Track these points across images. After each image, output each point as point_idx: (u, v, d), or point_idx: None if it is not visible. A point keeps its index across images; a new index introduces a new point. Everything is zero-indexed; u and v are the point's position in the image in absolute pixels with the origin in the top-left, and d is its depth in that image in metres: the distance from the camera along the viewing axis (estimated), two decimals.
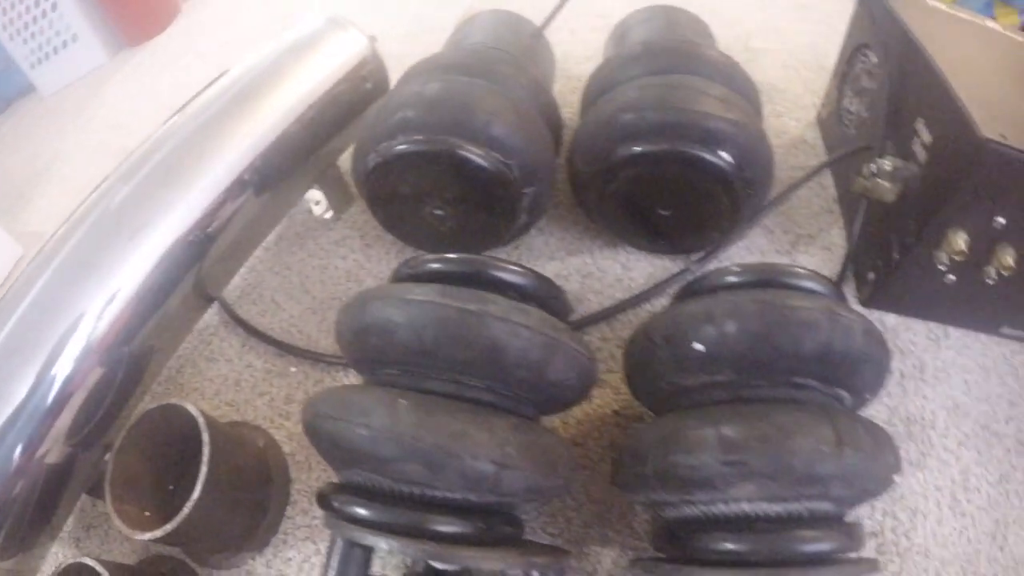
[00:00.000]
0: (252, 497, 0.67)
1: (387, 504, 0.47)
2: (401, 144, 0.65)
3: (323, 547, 0.66)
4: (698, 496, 0.45)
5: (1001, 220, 0.58)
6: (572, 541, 0.63)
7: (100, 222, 0.63)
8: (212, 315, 0.84)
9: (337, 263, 0.86)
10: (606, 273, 0.79)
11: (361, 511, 0.47)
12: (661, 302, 0.75)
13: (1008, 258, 0.60)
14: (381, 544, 0.44)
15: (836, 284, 0.53)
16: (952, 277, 0.65)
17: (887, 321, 0.71)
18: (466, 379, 0.48)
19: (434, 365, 0.49)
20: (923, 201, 0.61)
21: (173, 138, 0.68)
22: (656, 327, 0.51)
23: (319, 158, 0.80)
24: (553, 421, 0.67)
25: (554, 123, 0.78)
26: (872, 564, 0.46)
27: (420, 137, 0.64)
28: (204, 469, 0.57)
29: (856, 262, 0.73)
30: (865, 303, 0.71)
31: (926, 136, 0.61)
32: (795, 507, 0.43)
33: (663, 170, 0.64)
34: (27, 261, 0.63)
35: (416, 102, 0.66)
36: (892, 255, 0.65)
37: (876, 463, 0.43)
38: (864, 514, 0.60)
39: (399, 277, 0.56)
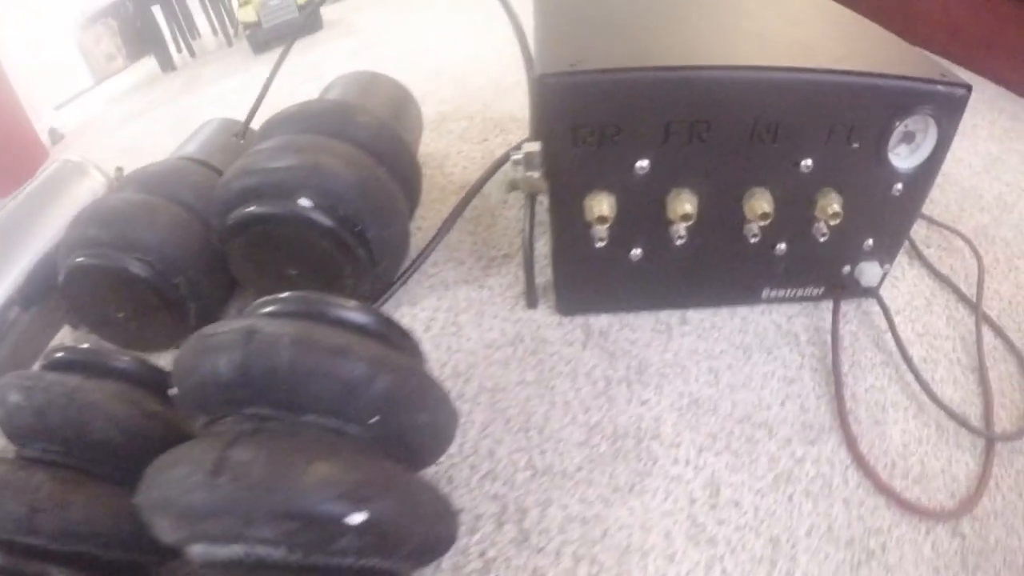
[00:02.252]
0: None
1: None
2: (71, 260, 0.64)
3: None
4: None
5: (643, 163, 0.47)
6: None
7: None
8: None
9: None
10: None
11: None
12: None
13: (686, 205, 0.48)
14: None
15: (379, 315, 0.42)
16: (637, 252, 0.53)
17: (595, 324, 0.58)
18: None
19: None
20: (548, 177, 0.51)
21: None
22: None
23: None
24: None
25: None
26: None
27: (81, 252, 0.63)
28: None
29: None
30: (560, 311, 0.58)
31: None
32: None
33: (265, 232, 0.58)
34: None
35: (80, 222, 0.63)
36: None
37: (272, 491, 0.31)
38: (543, 563, 0.44)
39: None
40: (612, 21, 0.53)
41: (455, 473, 0.49)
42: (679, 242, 0.50)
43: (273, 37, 1.46)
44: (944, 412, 0.51)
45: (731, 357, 0.54)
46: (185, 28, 1.64)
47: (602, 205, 0.48)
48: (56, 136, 1.62)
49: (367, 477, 0.34)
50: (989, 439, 0.50)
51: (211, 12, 1.64)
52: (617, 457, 0.48)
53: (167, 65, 1.55)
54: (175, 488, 0.32)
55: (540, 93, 0.44)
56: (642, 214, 0.50)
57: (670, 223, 0.49)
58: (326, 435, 0.36)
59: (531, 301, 0.59)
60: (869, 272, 0.56)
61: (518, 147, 0.51)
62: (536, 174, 0.54)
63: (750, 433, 0.50)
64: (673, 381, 0.53)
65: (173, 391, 0.39)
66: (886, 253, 0.56)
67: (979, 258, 0.65)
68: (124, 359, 0.49)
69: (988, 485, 0.47)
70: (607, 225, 0.48)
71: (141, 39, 1.60)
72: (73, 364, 0.48)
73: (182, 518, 0.32)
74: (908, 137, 0.49)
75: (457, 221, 0.65)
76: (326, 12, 1.60)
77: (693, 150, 0.46)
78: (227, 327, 0.36)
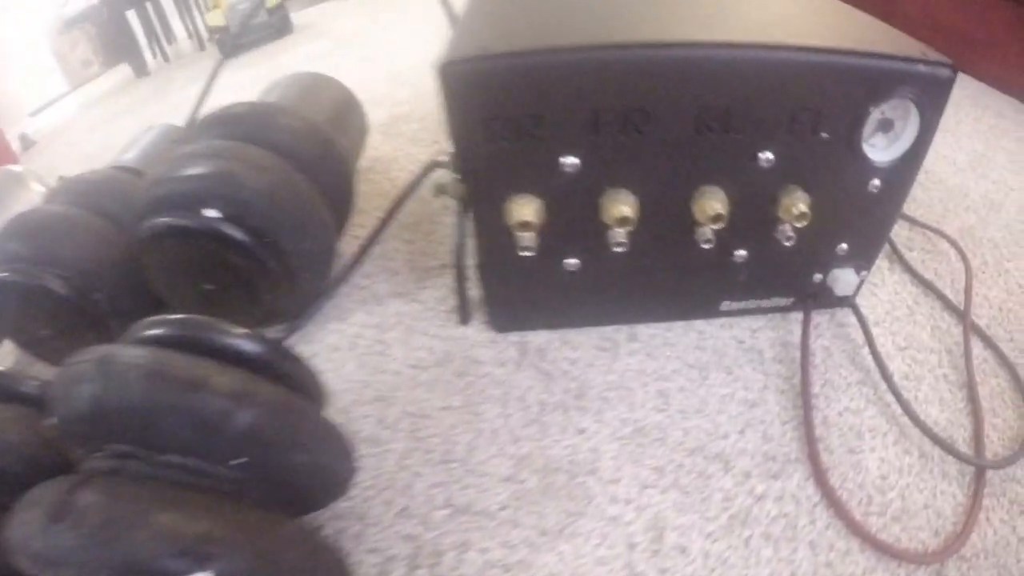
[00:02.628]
0: None
1: None
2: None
3: None
4: None
5: (570, 160, 0.40)
6: None
7: None
8: None
9: None
10: None
11: None
12: None
13: (623, 207, 0.41)
14: None
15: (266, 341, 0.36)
16: (572, 261, 0.46)
17: (532, 342, 0.51)
18: None
19: None
20: (463, 180, 0.45)
21: None
22: None
23: None
24: None
25: None
26: None
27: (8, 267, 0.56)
28: None
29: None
30: (493, 327, 0.52)
31: None
32: None
33: (175, 246, 0.51)
34: None
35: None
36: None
37: (109, 543, 0.26)
38: None
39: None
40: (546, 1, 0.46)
41: (368, 509, 0.42)
42: (618, 250, 0.43)
43: (242, 42, 1.41)
44: (928, 437, 0.44)
45: (684, 378, 0.47)
46: (160, 33, 1.58)
47: (525, 209, 0.41)
48: (27, 142, 1.55)
49: (216, 529, 0.28)
50: (979, 466, 0.44)
51: (185, 16, 1.58)
52: (547, 494, 0.41)
53: (141, 71, 1.49)
54: (21, 531, 0.27)
55: (443, 84, 0.37)
56: (575, 218, 0.43)
57: (607, 228, 0.42)
58: (185, 477, 0.30)
59: (463, 317, 0.52)
60: (843, 280, 0.49)
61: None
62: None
63: (703, 467, 0.43)
64: (616, 406, 0.46)
65: (51, 421, 0.33)
66: (863, 258, 0.49)
67: (966, 261, 0.58)
68: (31, 383, 0.44)
69: (978, 519, 0.41)
70: (533, 232, 0.42)
71: (116, 45, 1.54)
72: None
73: (30, 563, 0.28)
74: (885, 125, 0.42)
75: (394, 228, 0.58)
76: (297, 16, 1.54)
77: (629, 143, 0.39)
78: (87, 356, 0.31)
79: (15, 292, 0.61)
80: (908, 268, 0.58)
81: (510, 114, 0.38)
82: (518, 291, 0.48)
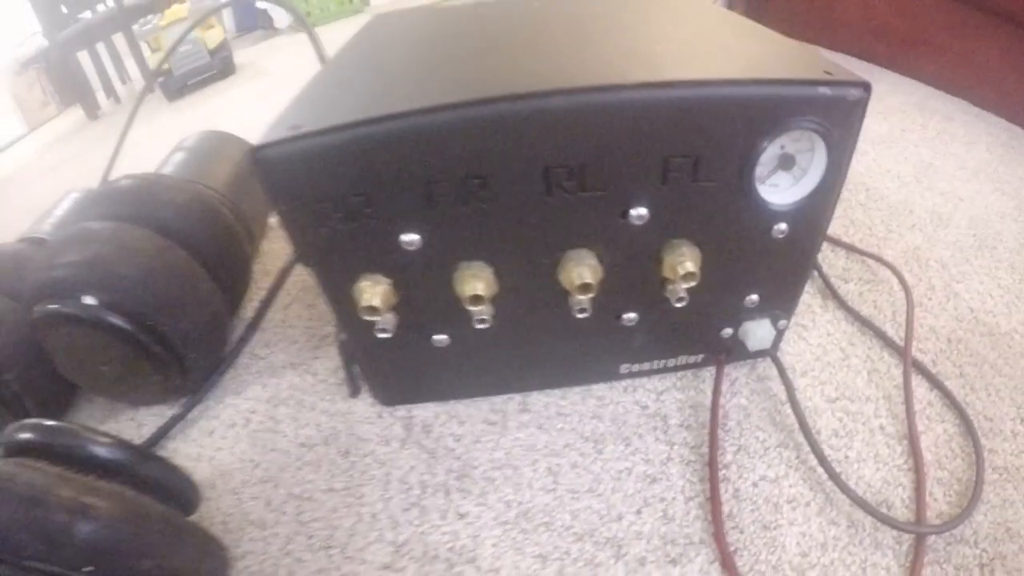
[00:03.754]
0: None
1: None
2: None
3: None
4: None
5: (413, 237, 0.35)
6: None
7: None
8: None
9: None
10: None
11: None
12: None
13: (479, 285, 0.36)
14: None
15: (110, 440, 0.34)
16: (441, 338, 0.41)
17: (418, 416, 0.46)
18: None
19: None
20: (304, 264, 0.40)
21: None
22: None
23: None
24: None
25: None
26: None
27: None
28: None
29: None
30: (380, 401, 0.47)
31: None
32: None
33: (60, 331, 0.49)
34: None
35: None
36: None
37: None
38: None
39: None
40: (391, 67, 0.41)
41: None
42: (482, 327, 0.38)
43: (185, 83, 1.39)
44: (857, 504, 0.39)
45: (577, 452, 0.42)
46: (115, 73, 1.56)
47: (371, 292, 0.36)
48: None
49: None
50: (919, 533, 0.38)
51: (139, 56, 1.56)
52: None
53: (92, 112, 1.46)
54: None
55: (258, 169, 0.33)
56: (430, 297, 0.38)
57: (463, 306, 0.38)
58: None
59: (352, 390, 0.48)
60: (757, 333, 0.44)
61: None
62: None
63: (591, 554, 0.38)
64: (501, 487, 0.41)
65: None
66: (780, 308, 0.44)
67: (907, 290, 0.52)
68: None
69: None
70: (387, 314, 0.37)
71: (70, 86, 1.52)
72: None
73: None
74: (786, 162, 0.37)
75: (295, 291, 0.54)
76: (240, 55, 1.52)
77: (472, 213, 0.34)
78: None
79: None
80: (843, 304, 0.52)
81: (331, 196, 0.33)
82: (392, 367, 0.43)
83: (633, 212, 0.36)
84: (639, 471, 0.41)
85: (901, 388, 0.46)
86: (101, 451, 0.34)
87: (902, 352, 0.48)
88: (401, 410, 0.47)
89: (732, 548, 0.38)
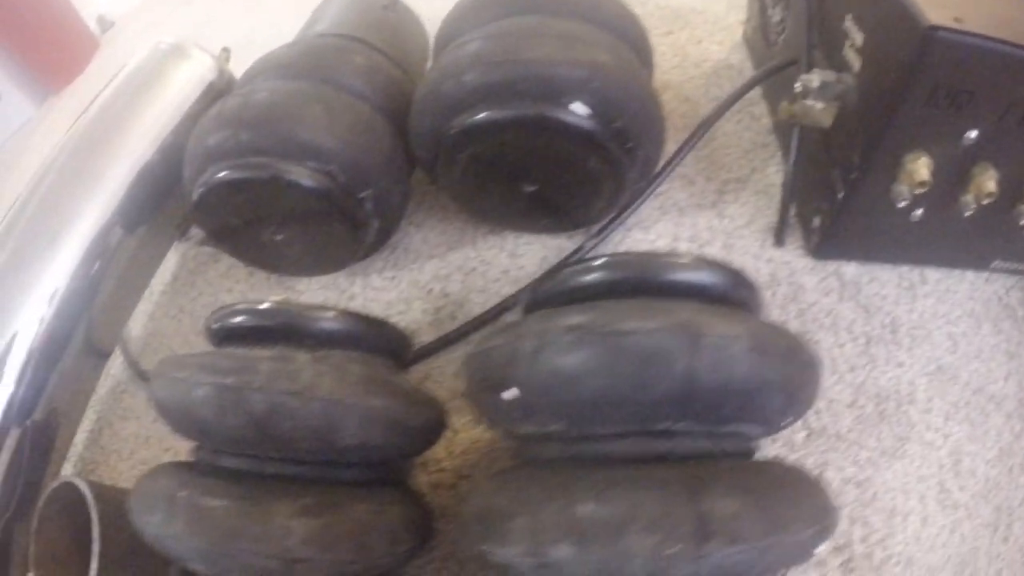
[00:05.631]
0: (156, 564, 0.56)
1: None
2: (213, 174, 0.50)
3: None
4: None
5: (972, 134, 0.42)
6: None
7: None
8: (123, 370, 0.72)
9: (223, 297, 0.69)
10: (491, 266, 0.59)
11: None
12: None
13: (990, 182, 0.43)
14: None
15: (736, 273, 0.35)
16: (919, 212, 0.48)
17: (846, 272, 0.54)
18: (262, 452, 0.36)
19: (221, 442, 0.37)
20: (864, 122, 0.44)
21: (36, 191, 0.57)
22: (471, 367, 0.35)
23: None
24: (436, 450, 0.49)
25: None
26: None
27: (229, 163, 0.50)
28: (96, 547, 0.47)
29: (799, 205, 0.55)
30: (814, 254, 0.54)
31: (857, 36, 0.44)
32: None
33: (507, 141, 0.46)
34: None
35: (222, 123, 0.51)
36: (836, 195, 0.48)
37: (771, 549, 0.27)
38: None
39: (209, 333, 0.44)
40: None
41: None
42: (968, 213, 0.46)
43: None
44: None
45: (966, 325, 0.52)
46: None
47: (923, 169, 0.43)
48: (105, 24, 1.38)
49: None
50: None
51: None
52: (882, 420, 0.47)
53: None
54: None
55: (923, 45, 0.37)
56: (946, 181, 0.45)
57: (966, 194, 0.45)
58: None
59: (780, 239, 0.54)
60: None
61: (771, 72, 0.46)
62: (820, 105, 0.48)
63: (982, 404, 0.49)
64: (921, 344, 0.51)
65: (511, 393, 0.31)
66: None
67: None
68: (332, 318, 0.40)
69: None
70: (924, 189, 0.44)
71: None
72: (263, 333, 0.39)
73: None
74: None
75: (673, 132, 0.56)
76: None
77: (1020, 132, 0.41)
78: (652, 323, 0.28)
79: (247, 192, 0.51)
80: None
81: (956, 86, 0.39)
82: (864, 230, 0.50)
83: None
84: (1003, 347, 0.52)
85: None
86: (698, 277, 0.35)
87: None
88: (830, 265, 0.54)
89: None
